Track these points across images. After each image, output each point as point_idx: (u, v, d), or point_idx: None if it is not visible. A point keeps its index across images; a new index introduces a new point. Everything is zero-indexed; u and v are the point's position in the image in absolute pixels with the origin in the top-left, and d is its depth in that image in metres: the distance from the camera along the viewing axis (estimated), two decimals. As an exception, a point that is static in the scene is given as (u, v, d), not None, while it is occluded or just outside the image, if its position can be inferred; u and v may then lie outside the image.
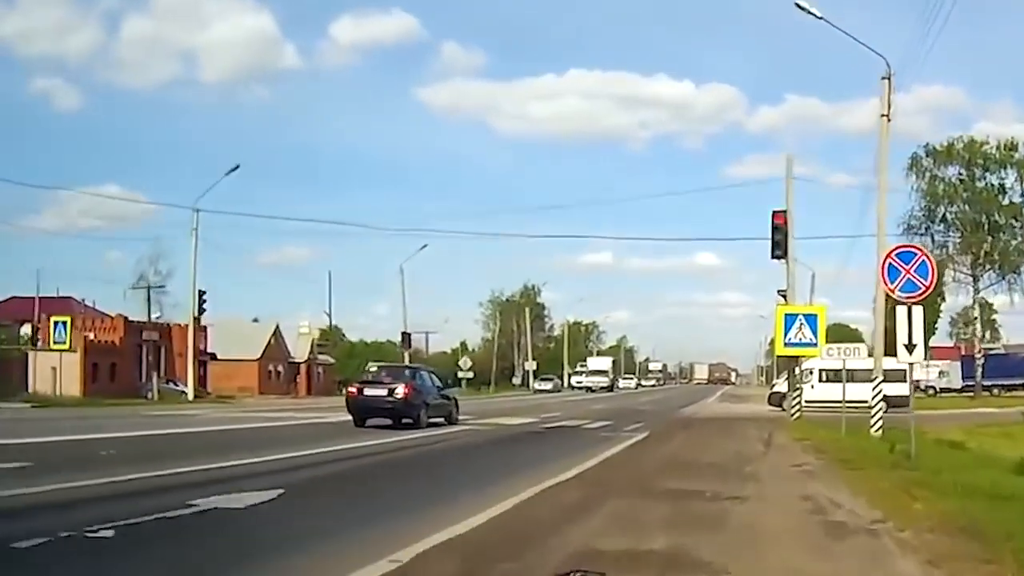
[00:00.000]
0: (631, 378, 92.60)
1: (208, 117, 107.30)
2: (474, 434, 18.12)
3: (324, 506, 7.72)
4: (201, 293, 39.22)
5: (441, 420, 20.37)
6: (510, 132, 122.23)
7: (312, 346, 65.84)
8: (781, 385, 31.02)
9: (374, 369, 21.67)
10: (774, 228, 21.98)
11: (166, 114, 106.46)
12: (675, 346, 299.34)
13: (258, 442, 14.63)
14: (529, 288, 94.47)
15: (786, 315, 20.07)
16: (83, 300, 58.48)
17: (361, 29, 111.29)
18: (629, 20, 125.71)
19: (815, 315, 20.23)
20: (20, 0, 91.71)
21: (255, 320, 65.47)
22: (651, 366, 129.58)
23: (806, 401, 24.09)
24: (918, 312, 11.64)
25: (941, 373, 54.46)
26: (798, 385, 23.61)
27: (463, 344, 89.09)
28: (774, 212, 22.18)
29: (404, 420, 18.75)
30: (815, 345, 19.81)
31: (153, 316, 48.92)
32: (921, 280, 11.65)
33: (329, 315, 65.98)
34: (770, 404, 32.32)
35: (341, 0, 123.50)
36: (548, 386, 67.99)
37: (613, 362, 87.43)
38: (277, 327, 62.43)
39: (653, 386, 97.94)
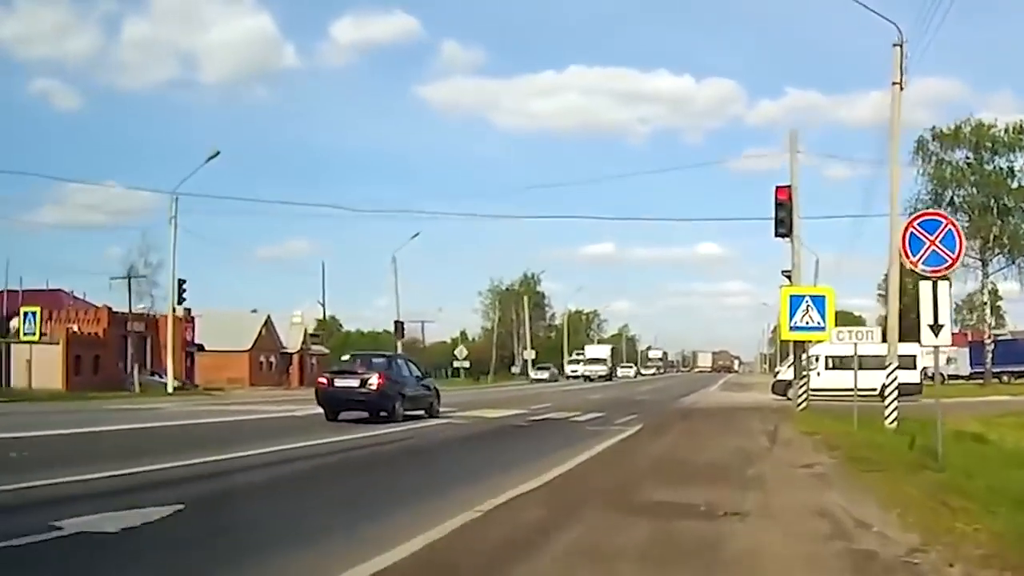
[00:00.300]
0: (630, 367, 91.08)
1: (208, 118, 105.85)
2: (450, 429, 16.58)
3: (221, 529, 6.23)
4: (181, 282, 37.77)
5: (420, 412, 18.91)
6: (511, 129, 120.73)
7: (305, 336, 64.46)
8: (785, 372, 29.51)
9: (346, 358, 20.14)
10: (778, 205, 20.53)
11: (166, 115, 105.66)
12: (677, 336, 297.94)
13: (203, 440, 13.16)
14: (529, 277, 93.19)
15: (791, 296, 18.35)
16: (72, 292, 57.03)
17: (361, 30, 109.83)
18: (628, 15, 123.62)
19: (823, 297, 18.44)
20: (21, 4, 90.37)
21: (254, 311, 64.15)
22: (651, 354, 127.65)
23: (811, 390, 22.60)
24: (944, 288, 10.24)
25: (949, 360, 52.90)
26: (805, 373, 22.09)
27: (462, 333, 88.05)
28: (777, 187, 20.69)
29: (380, 413, 17.36)
30: (823, 329, 18.14)
31: (143, 307, 47.72)
32: (947, 252, 10.32)
33: (323, 305, 64.67)
34: (774, 393, 30.87)
35: (341, 1, 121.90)
36: (544, 375, 66.40)
37: (612, 350, 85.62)
38: (268, 318, 61.15)
39: (653, 375, 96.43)
